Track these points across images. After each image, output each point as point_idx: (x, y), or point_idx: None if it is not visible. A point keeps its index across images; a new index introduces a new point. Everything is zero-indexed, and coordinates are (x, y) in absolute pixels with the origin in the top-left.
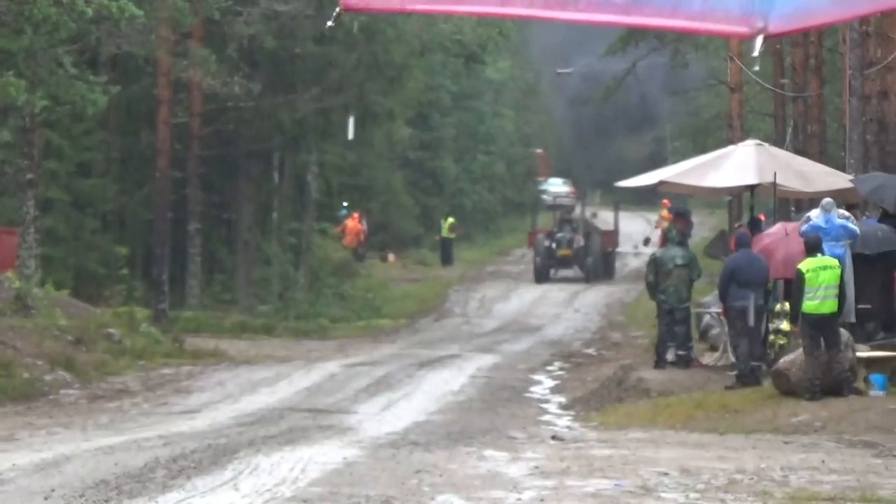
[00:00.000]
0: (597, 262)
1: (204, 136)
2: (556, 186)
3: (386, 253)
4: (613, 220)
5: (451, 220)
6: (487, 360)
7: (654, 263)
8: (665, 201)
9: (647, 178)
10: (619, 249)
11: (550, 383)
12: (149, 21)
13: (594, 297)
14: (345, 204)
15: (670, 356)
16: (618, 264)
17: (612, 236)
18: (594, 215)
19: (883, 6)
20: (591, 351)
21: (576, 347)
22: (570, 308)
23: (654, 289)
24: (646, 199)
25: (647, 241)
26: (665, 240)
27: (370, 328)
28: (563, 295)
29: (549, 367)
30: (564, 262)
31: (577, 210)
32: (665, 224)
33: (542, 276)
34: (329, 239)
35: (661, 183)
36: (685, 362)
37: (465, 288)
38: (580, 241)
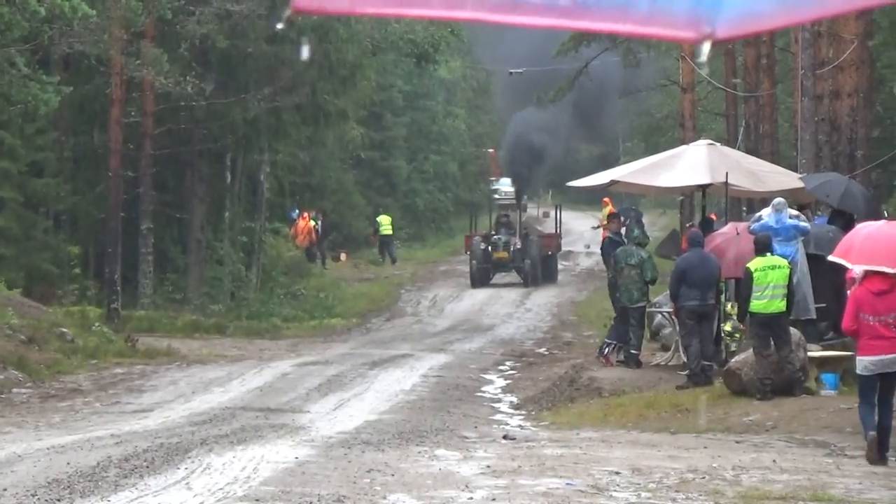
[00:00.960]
0: (535, 265)
1: (156, 135)
2: (506, 186)
3: (338, 252)
4: (555, 221)
5: (387, 216)
6: (439, 359)
7: (614, 260)
8: (606, 200)
9: (598, 178)
10: (571, 249)
11: (502, 383)
12: (101, 20)
13: (546, 296)
14: (296, 210)
15: (619, 356)
16: (569, 263)
17: (553, 239)
18: (545, 215)
19: (829, 12)
20: (542, 350)
21: (528, 347)
22: (522, 307)
23: (612, 287)
24: (597, 198)
25: (588, 247)
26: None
27: (322, 328)
28: (515, 295)
29: (501, 367)
30: (501, 266)
31: (518, 212)
32: (606, 223)
33: (478, 281)
34: (282, 238)
35: (613, 182)
36: (635, 362)
37: (417, 287)
38: (517, 243)
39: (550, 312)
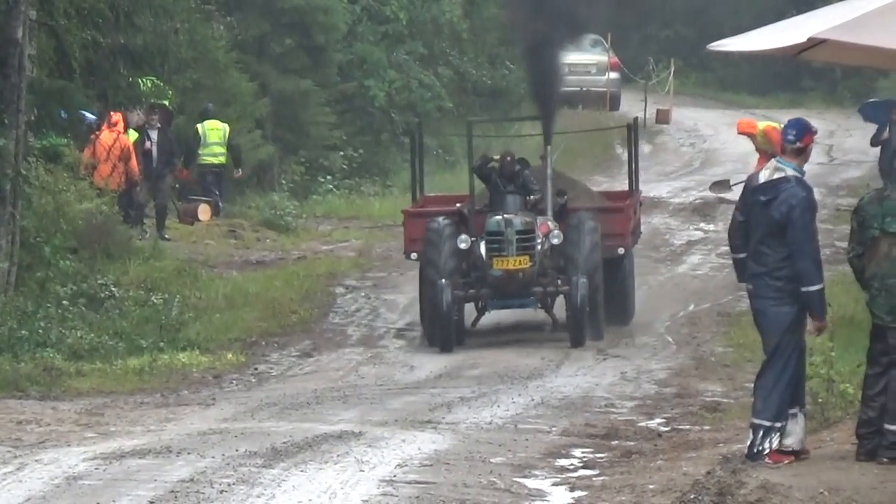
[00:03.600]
0: (595, 290)
1: None
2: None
3: (195, 204)
4: (631, 160)
5: (217, 124)
6: (422, 444)
7: (858, 223)
8: (749, 124)
9: (775, 35)
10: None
11: (566, 500)
12: None
13: (654, 300)
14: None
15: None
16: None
17: (624, 207)
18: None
19: None
20: (654, 423)
21: (620, 415)
22: None
23: (859, 276)
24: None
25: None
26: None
27: (158, 372)
28: None
29: (562, 463)
30: (508, 291)
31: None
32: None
33: (442, 335)
34: (66, 171)
35: (812, 45)
36: None
37: (369, 280)
38: (552, 230)
39: (670, 335)
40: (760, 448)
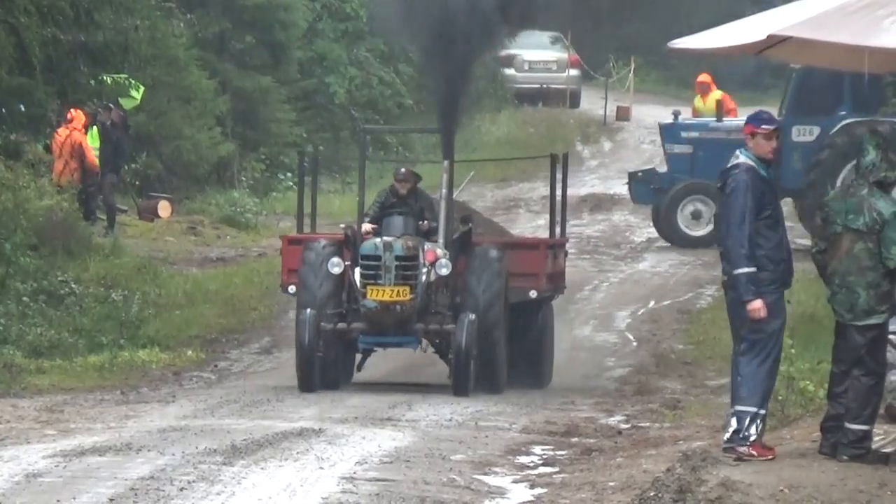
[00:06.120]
0: (491, 329)
1: None
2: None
3: (155, 200)
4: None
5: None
6: (382, 441)
7: (822, 219)
8: (703, 78)
9: (732, 33)
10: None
11: (525, 497)
12: None
13: (622, 297)
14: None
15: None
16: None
17: (537, 253)
18: None
19: None
20: (615, 421)
21: (581, 412)
22: (565, 319)
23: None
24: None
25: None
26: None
27: (118, 369)
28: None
29: (523, 460)
30: (386, 325)
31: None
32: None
33: (309, 376)
34: (26, 169)
35: (773, 43)
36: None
37: None
38: (439, 259)
39: (632, 332)
40: (747, 433)
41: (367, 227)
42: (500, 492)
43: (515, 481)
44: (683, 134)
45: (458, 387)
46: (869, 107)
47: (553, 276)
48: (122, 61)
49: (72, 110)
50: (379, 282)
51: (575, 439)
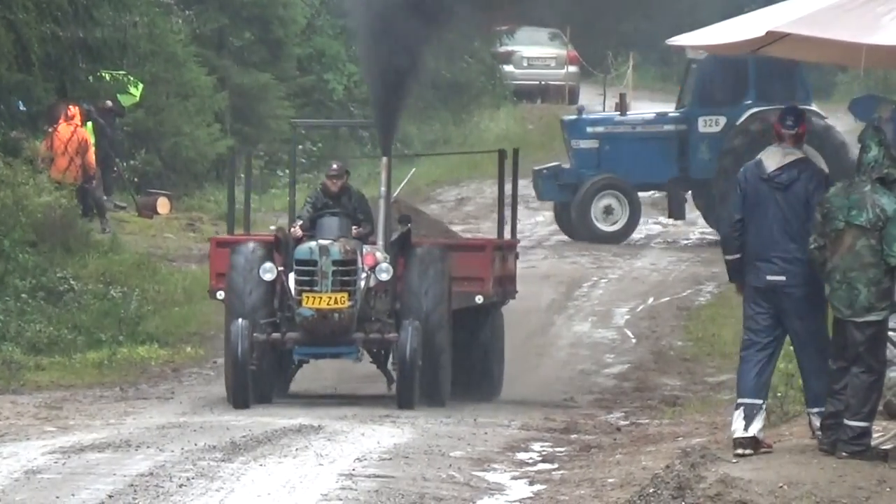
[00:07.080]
0: (434, 336)
1: None
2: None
3: (154, 197)
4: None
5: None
6: (381, 438)
7: (822, 215)
8: None
9: (731, 30)
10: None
11: (525, 493)
12: None
13: (620, 291)
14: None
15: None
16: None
17: (485, 253)
18: None
19: None
20: (614, 418)
21: (581, 409)
22: (567, 315)
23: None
24: None
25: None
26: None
27: (117, 366)
28: (553, 289)
29: (521, 456)
30: (321, 336)
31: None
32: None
33: (242, 392)
34: (25, 166)
35: (771, 40)
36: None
37: None
38: (379, 261)
39: (631, 329)
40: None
41: (297, 231)
42: (499, 488)
43: (514, 478)
44: (589, 129)
45: (404, 399)
46: (774, 96)
47: (502, 280)
48: (120, 58)
49: (70, 107)
50: (315, 288)
51: (574, 436)
